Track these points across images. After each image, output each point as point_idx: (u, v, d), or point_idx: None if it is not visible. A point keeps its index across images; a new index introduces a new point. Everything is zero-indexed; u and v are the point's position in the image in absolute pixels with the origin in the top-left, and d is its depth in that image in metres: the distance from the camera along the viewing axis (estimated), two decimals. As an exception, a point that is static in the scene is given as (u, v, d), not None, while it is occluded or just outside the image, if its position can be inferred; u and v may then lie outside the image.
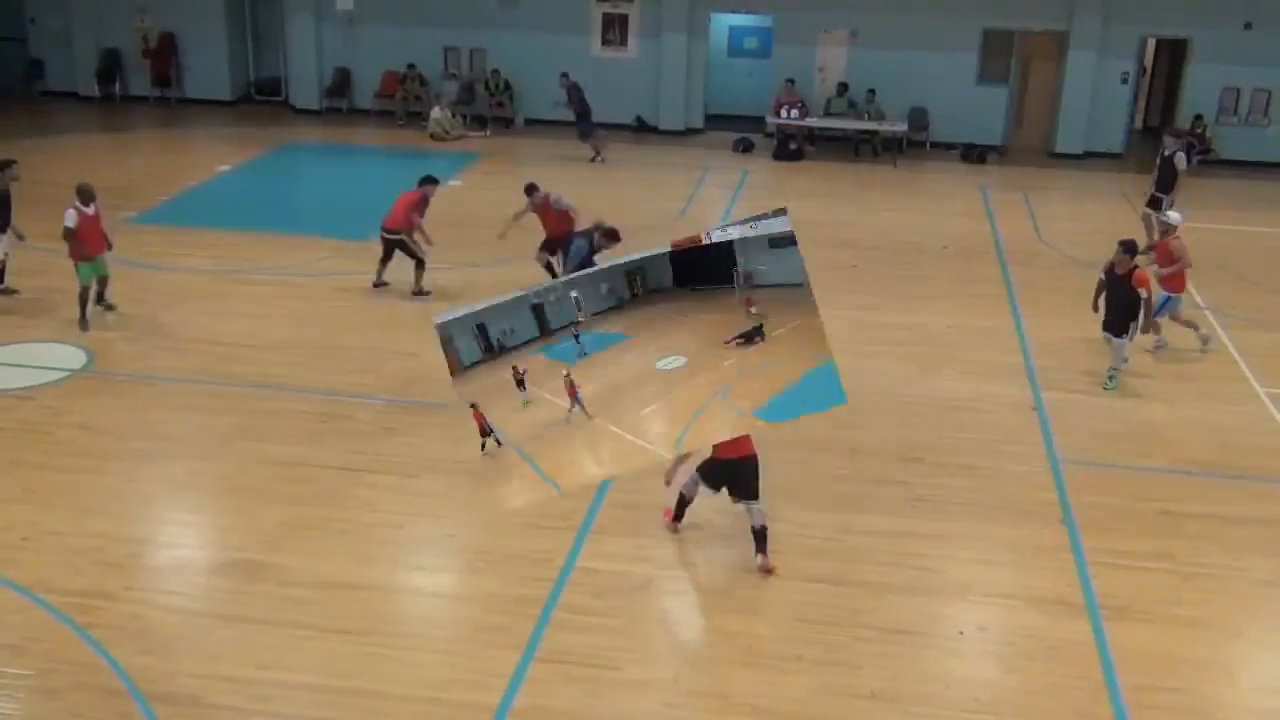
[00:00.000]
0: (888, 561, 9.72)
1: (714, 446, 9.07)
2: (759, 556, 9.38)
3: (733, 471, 9.23)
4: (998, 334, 14.31)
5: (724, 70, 25.86)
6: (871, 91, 23.51)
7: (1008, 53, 23.90)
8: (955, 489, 10.93)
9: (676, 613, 9.19)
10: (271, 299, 14.89)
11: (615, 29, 24.58)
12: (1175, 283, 13.86)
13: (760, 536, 9.36)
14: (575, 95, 22.88)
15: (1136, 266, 12.84)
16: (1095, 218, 19.94)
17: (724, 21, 25.61)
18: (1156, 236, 16.51)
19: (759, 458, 9.25)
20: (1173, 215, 14.61)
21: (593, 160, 22.21)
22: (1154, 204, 17.27)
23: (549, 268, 14.84)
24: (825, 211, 19.45)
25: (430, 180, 15.12)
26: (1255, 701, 8.36)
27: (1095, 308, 13.26)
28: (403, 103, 24.86)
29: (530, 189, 15.13)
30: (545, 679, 8.18)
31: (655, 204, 19.58)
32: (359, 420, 11.81)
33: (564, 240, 14.34)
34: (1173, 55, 24.92)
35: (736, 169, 22.32)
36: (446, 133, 23.78)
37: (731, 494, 9.38)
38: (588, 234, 13.52)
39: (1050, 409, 12.45)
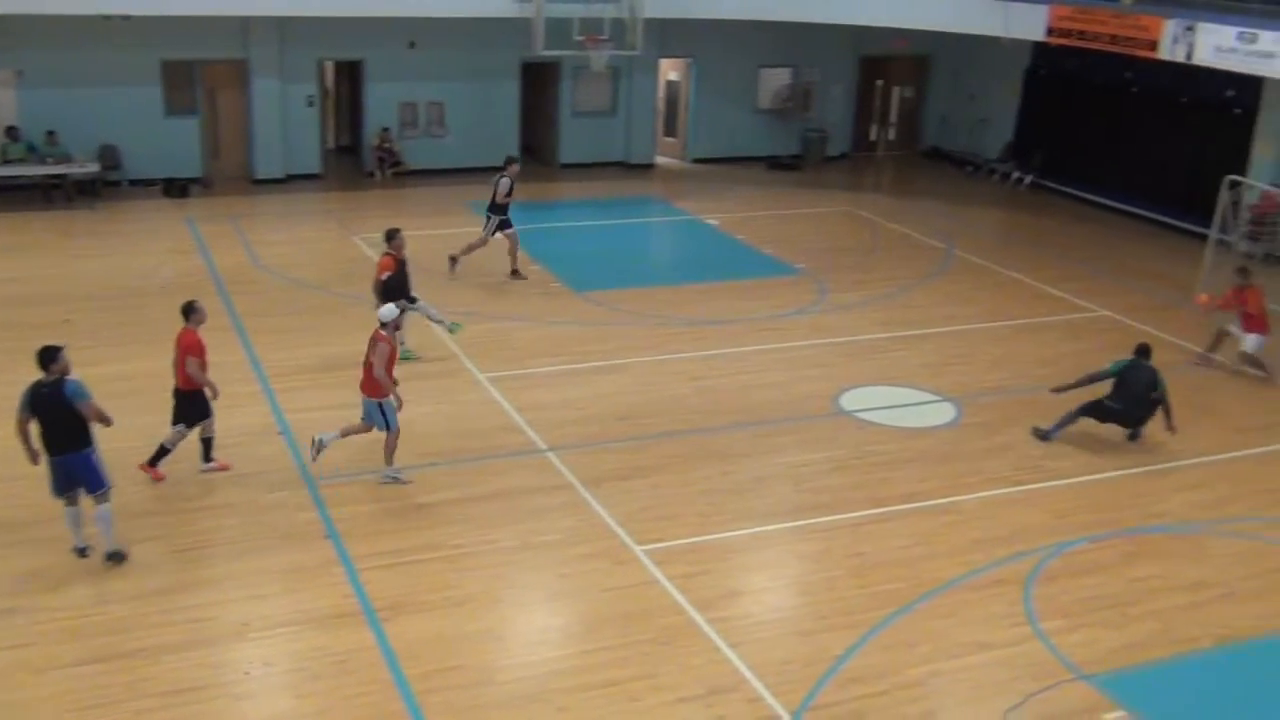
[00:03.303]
0: (158, 622, 9.28)
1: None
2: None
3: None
4: (232, 366, 14.11)
5: None
6: (51, 133, 21.97)
7: (192, 83, 23.55)
8: (216, 531, 10.70)
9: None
10: None
11: None
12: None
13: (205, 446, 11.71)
14: None
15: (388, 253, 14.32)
16: (307, 239, 20.50)
17: None
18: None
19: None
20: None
21: None
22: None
23: None
24: (23, 267, 17.89)
25: None
26: (522, 657, 9.24)
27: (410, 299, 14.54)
28: None
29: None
30: None
31: None
32: None
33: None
34: (352, 76, 26.19)
35: (-99, 234, 19.66)
36: None
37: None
38: None
39: (296, 430, 12.61)
